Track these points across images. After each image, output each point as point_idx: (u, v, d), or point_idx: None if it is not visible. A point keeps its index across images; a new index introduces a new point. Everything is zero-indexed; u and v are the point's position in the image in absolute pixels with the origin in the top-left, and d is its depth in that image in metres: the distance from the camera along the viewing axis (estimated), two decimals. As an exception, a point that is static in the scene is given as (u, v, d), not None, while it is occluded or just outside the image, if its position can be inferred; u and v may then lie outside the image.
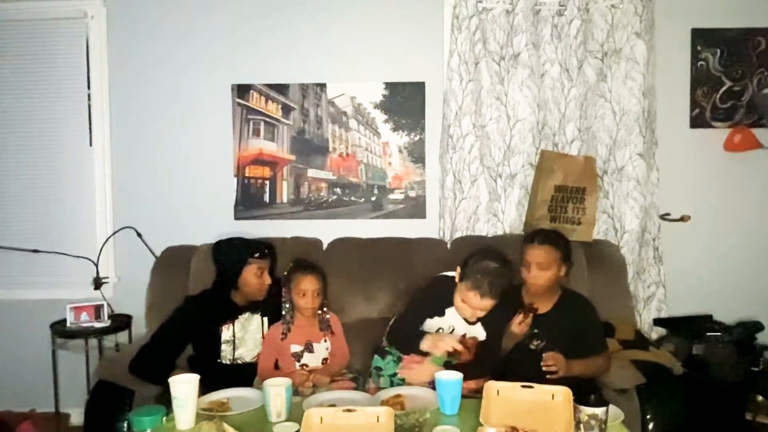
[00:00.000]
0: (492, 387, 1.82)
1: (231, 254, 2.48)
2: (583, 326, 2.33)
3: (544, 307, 2.36)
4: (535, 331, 2.31)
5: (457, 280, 2.26)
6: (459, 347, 2.19)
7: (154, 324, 2.71)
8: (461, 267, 2.25)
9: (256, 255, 2.44)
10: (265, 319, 2.50)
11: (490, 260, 2.21)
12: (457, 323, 2.32)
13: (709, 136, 3.18)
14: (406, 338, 2.31)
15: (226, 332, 2.44)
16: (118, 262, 3.29)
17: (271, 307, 2.48)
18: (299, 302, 2.41)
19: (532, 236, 2.43)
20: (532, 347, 2.32)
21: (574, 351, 2.26)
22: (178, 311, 2.46)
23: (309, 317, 2.44)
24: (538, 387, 1.79)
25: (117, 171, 3.26)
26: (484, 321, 2.30)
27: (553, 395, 1.76)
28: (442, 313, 2.32)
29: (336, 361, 2.45)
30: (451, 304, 2.29)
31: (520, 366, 2.19)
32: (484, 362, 2.27)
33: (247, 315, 2.48)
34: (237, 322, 2.46)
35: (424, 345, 2.22)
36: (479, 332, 2.33)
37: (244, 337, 2.45)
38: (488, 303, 2.18)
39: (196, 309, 2.45)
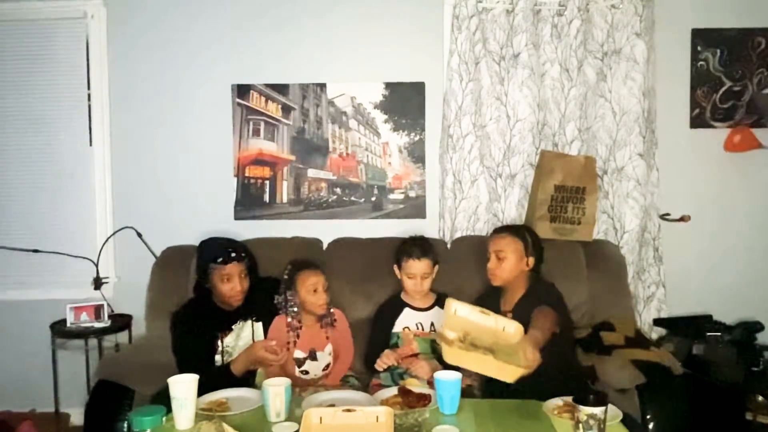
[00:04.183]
0: (450, 304, 2.04)
1: (199, 258, 2.44)
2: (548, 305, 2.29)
3: (516, 297, 2.37)
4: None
5: (398, 276, 2.54)
6: (394, 361, 2.30)
7: (153, 324, 2.72)
8: (396, 265, 2.54)
9: (219, 260, 2.34)
10: (259, 324, 2.44)
11: (407, 239, 2.59)
12: (413, 318, 2.51)
13: (709, 136, 3.18)
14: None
15: (219, 344, 2.38)
16: (118, 262, 3.29)
17: (264, 310, 2.43)
18: (310, 299, 2.36)
19: (496, 229, 2.54)
20: None
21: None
22: (176, 333, 2.39)
23: (316, 321, 2.41)
24: (494, 315, 2.03)
25: (117, 171, 3.26)
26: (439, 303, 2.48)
27: (504, 327, 1.99)
28: (398, 314, 2.52)
29: (339, 363, 2.43)
30: (403, 307, 2.53)
31: None
32: None
33: (240, 324, 2.42)
34: (232, 333, 2.40)
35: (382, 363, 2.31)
36: (434, 316, 2.49)
37: (237, 345, 2.40)
38: (426, 261, 2.47)
39: (189, 320, 2.39)
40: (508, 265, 2.36)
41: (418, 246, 2.49)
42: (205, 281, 2.41)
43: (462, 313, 2.01)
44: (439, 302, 2.50)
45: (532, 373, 1.82)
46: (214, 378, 2.23)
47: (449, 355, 1.85)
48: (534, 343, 1.88)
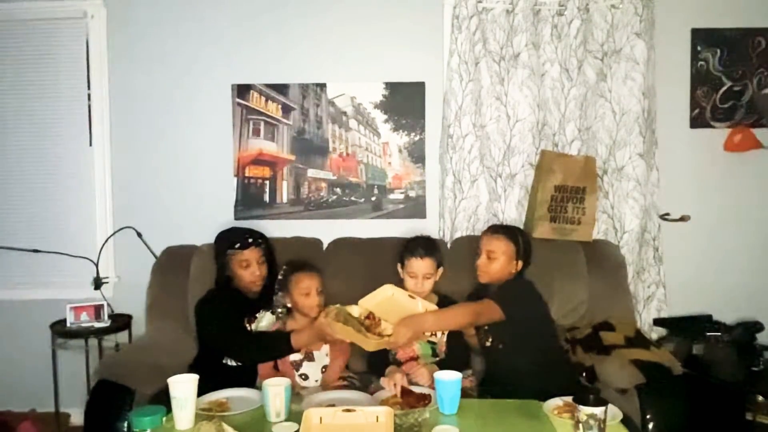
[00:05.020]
0: (387, 289, 2.22)
1: (217, 247, 2.48)
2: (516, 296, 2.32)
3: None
4: (486, 327, 2.35)
5: (401, 275, 2.46)
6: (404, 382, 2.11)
7: (153, 324, 2.72)
8: (400, 264, 2.48)
9: (237, 246, 2.40)
10: (273, 317, 2.47)
11: (413, 237, 2.55)
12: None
13: (709, 136, 3.18)
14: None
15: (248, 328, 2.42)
16: (118, 262, 3.29)
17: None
18: (303, 302, 2.35)
19: (492, 227, 2.53)
20: (488, 345, 2.37)
21: (517, 322, 2.25)
22: (205, 315, 2.40)
23: (310, 322, 2.38)
24: (420, 300, 2.23)
25: (117, 171, 3.26)
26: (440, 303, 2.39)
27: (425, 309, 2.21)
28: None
29: (337, 361, 2.42)
30: None
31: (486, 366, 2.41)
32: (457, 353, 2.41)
33: (263, 313, 2.46)
34: (256, 321, 2.43)
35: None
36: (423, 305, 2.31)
37: None
38: (429, 261, 2.41)
39: (217, 305, 2.40)
40: (498, 265, 2.38)
41: (423, 245, 2.46)
42: (225, 270, 2.44)
43: (397, 297, 2.23)
44: (441, 305, 2.41)
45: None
46: (271, 341, 2.31)
47: (329, 326, 2.16)
48: (412, 324, 2.12)
